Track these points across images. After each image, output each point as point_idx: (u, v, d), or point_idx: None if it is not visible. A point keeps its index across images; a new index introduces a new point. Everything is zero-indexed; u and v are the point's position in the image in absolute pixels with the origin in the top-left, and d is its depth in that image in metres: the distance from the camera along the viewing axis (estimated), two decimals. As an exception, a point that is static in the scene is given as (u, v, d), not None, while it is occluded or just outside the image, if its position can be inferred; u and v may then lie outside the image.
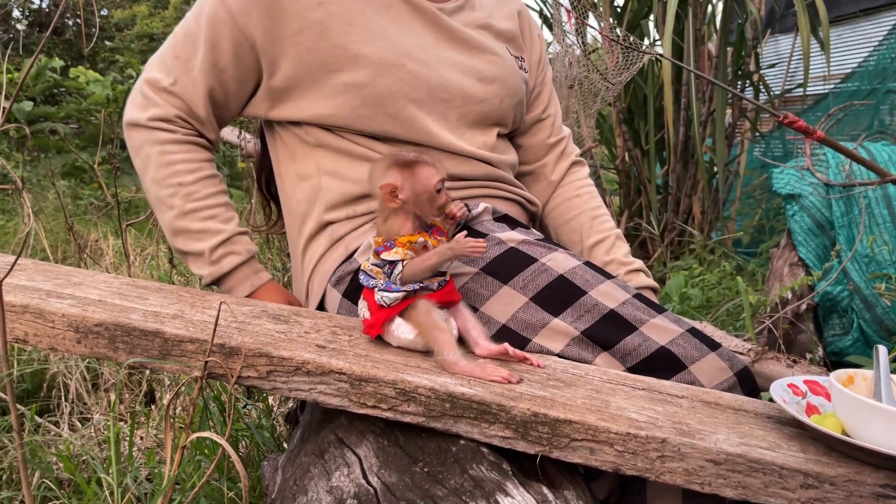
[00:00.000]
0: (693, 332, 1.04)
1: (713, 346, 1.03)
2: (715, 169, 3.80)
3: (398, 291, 0.93)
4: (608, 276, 1.08)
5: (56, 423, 1.88)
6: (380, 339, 0.98)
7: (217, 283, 1.20)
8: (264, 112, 1.20)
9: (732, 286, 2.73)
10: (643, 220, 3.95)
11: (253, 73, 1.17)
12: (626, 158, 4.07)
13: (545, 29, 3.71)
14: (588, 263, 1.09)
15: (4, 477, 1.59)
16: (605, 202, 4.26)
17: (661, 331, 1.02)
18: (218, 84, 1.16)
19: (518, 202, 1.27)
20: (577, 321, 1.02)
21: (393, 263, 0.92)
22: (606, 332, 1.01)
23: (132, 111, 1.18)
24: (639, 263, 1.32)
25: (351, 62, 1.12)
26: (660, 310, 1.05)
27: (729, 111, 3.89)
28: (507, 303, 1.04)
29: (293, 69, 1.13)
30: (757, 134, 4.13)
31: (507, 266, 1.07)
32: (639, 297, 1.06)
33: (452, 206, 0.96)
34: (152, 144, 1.16)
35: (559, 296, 1.04)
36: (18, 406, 1.04)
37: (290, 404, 1.68)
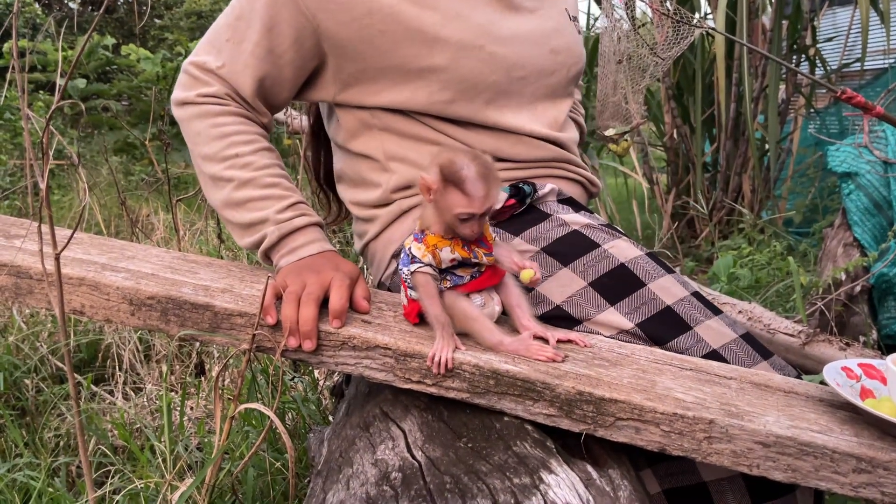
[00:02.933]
0: (747, 338, 1.02)
1: (766, 354, 1.01)
2: (766, 146, 3.70)
3: (413, 290, 0.92)
4: (669, 269, 1.07)
5: (111, 392, 1.94)
6: (423, 319, 0.99)
7: (281, 241, 1.06)
8: (332, 97, 1.15)
9: (783, 266, 2.67)
10: (691, 198, 3.88)
11: (312, 59, 1.11)
12: (675, 135, 3.99)
13: (593, 3, 3.64)
14: (650, 255, 1.08)
15: (62, 443, 1.66)
16: (652, 179, 4.16)
17: (715, 334, 1.00)
18: (272, 69, 1.11)
19: (581, 183, 1.26)
20: (632, 313, 1.01)
21: (414, 258, 0.89)
22: (659, 329, 1.00)
23: (179, 92, 1.13)
24: None
25: (428, 46, 1.07)
26: (716, 311, 1.04)
27: (783, 87, 3.77)
28: (565, 285, 1.04)
29: (365, 53, 1.08)
30: (812, 110, 4.01)
31: (569, 248, 1.06)
32: (696, 295, 1.04)
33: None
34: (202, 118, 1.10)
35: (618, 285, 1.03)
36: (75, 375, 1.08)
37: (336, 378, 1.70)
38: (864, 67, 3.68)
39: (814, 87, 3.88)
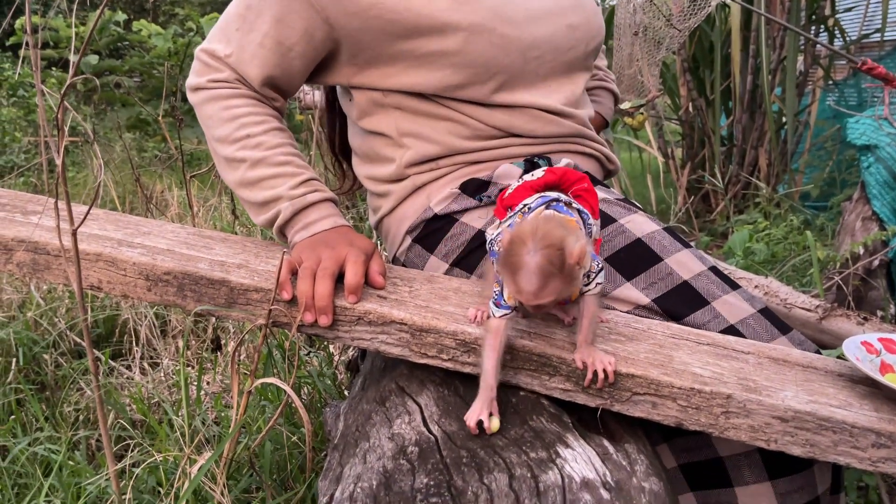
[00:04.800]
0: (765, 312, 1.01)
1: (784, 329, 1.00)
2: (784, 119, 3.65)
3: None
4: (686, 244, 1.06)
5: (128, 367, 1.96)
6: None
7: (295, 217, 1.06)
8: (346, 80, 1.15)
9: (800, 241, 2.65)
10: (707, 172, 3.84)
11: (323, 50, 1.11)
12: (690, 109, 3.95)
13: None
14: (667, 229, 1.07)
15: (82, 417, 1.68)
16: (667, 154, 4.12)
17: (732, 309, 0.99)
18: (281, 61, 1.10)
19: (597, 158, 1.24)
20: (649, 288, 1.00)
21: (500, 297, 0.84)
22: (676, 304, 0.99)
23: (192, 78, 1.14)
24: None
25: (438, 31, 1.06)
26: (734, 285, 1.03)
27: (801, 58, 3.72)
28: None
29: (376, 41, 1.08)
30: (830, 82, 3.95)
31: None
32: (714, 269, 1.03)
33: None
34: (214, 101, 1.11)
35: (634, 260, 1.02)
36: (94, 350, 1.09)
37: (351, 353, 1.71)
38: (884, 38, 3.61)
39: (833, 59, 3.82)
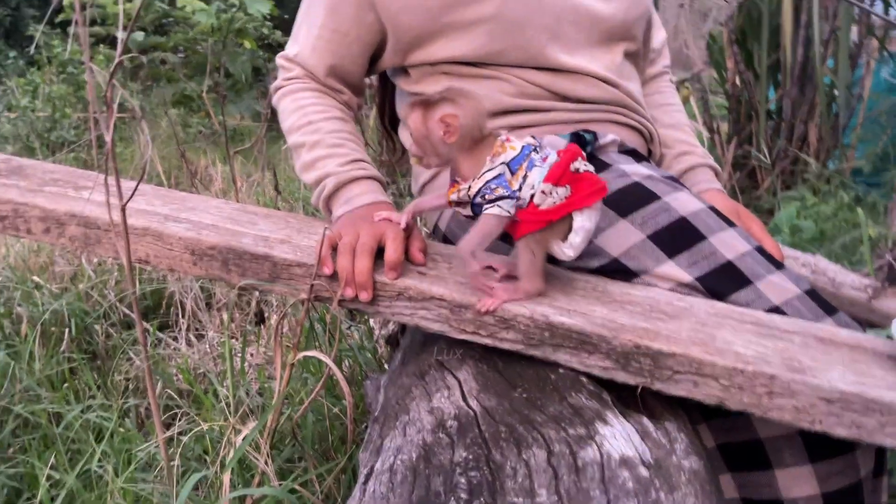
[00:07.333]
0: (811, 293, 0.99)
1: (830, 310, 0.98)
2: (835, 92, 3.54)
3: None
4: (731, 224, 1.04)
5: (174, 339, 2.01)
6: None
7: (338, 191, 1.09)
8: (400, 62, 1.21)
9: (850, 218, 2.58)
10: (753, 147, 3.75)
11: (376, 34, 1.17)
12: (738, 82, 3.85)
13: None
14: (712, 208, 1.05)
15: (131, 386, 1.73)
16: (713, 128, 4.04)
17: (777, 289, 0.97)
18: (339, 48, 1.18)
19: (641, 132, 1.23)
20: (692, 267, 0.99)
21: None
22: (719, 283, 0.97)
23: (275, 83, 1.24)
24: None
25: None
26: (779, 265, 1.01)
27: (855, 29, 3.59)
28: (623, 237, 1.01)
29: (416, 20, 1.12)
30: (886, 53, 3.80)
31: (629, 200, 1.03)
32: (760, 249, 1.01)
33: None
34: (286, 96, 1.20)
35: (678, 238, 1.00)
36: (142, 322, 1.12)
37: (392, 327, 1.72)
38: (945, 7, 3.46)
39: (888, 29, 3.68)
